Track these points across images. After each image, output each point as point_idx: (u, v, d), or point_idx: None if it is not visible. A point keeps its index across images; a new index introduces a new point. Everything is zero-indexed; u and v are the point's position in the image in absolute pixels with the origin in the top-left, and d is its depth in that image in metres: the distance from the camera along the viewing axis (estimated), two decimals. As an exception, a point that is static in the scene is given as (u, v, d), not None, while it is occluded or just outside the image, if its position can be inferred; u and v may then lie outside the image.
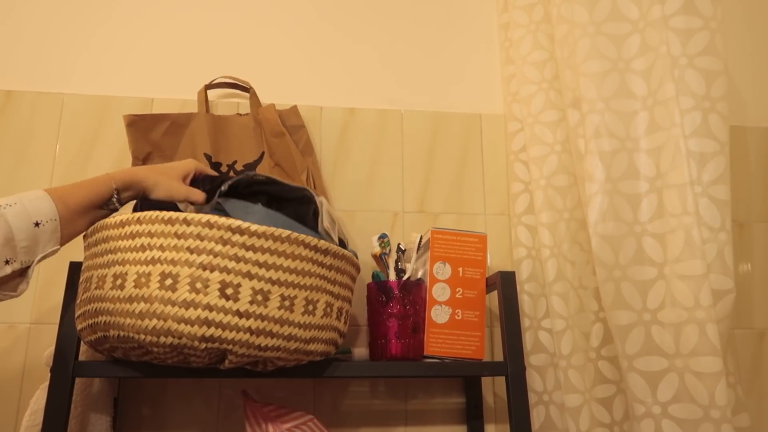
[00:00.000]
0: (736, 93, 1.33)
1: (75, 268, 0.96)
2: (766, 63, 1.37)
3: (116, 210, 0.79)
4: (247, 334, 0.68)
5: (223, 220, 0.70)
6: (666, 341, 0.86)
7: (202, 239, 0.69)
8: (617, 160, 0.95)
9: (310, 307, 0.74)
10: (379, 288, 0.91)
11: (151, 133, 1.04)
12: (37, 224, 0.68)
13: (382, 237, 0.97)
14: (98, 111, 1.14)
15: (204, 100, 1.09)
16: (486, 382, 1.10)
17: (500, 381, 1.10)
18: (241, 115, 1.11)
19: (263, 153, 1.07)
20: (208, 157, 1.05)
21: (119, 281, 0.69)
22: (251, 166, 1.06)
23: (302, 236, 0.73)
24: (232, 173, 1.06)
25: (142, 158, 1.04)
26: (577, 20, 1.01)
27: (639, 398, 0.86)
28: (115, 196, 0.77)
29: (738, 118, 1.31)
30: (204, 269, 0.68)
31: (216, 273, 0.68)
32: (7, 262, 0.65)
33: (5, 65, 1.16)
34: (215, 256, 0.69)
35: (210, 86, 1.11)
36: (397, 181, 1.19)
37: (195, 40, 1.22)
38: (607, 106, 0.97)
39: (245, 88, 1.14)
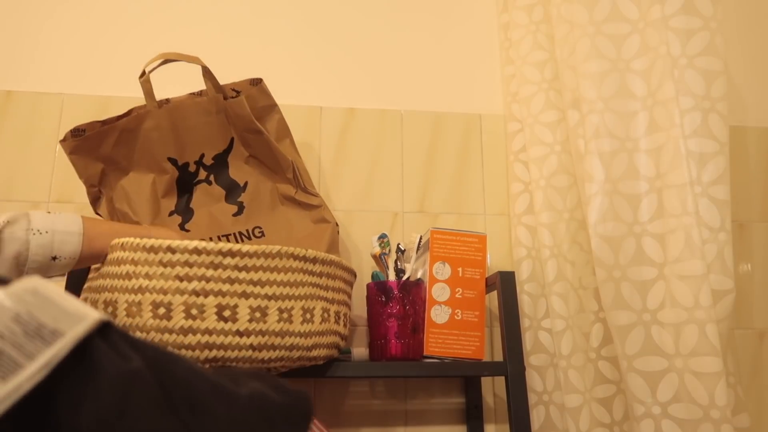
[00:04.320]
0: (736, 93, 1.33)
1: (74, 273, 0.96)
2: (766, 63, 1.37)
3: None
4: (250, 351, 0.68)
5: (212, 245, 0.68)
6: (666, 341, 0.86)
7: (191, 266, 0.67)
8: (617, 161, 0.95)
9: (308, 316, 0.73)
10: (378, 288, 0.91)
11: (100, 149, 0.92)
12: (54, 258, 0.68)
13: (382, 237, 0.97)
14: (98, 111, 1.14)
15: (150, 90, 0.93)
16: (486, 382, 1.10)
17: (500, 381, 1.10)
18: (195, 94, 0.97)
19: (233, 140, 0.97)
20: (173, 161, 0.96)
21: (110, 309, 0.68)
22: (221, 158, 0.98)
23: (291, 249, 0.73)
24: (201, 170, 0.98)
25: (97, 183, 0.94)
26: (577, 20, 1.01)
27: (639, 398, 0.86)
28: None
29: (738, 118, 1.31)
30: (198, 295, 0.66)
31: (211, 297, 0.67)
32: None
33: (5, 65, 1.16)
34: (207, 281, 0.67)
35: (152, 70, 0.93)
36: (397, 181, 1.19)
37: (195, 38, 1.22)
38: (607, 106, 0.97)
39: (195, 63, 0.93)
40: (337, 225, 0.95)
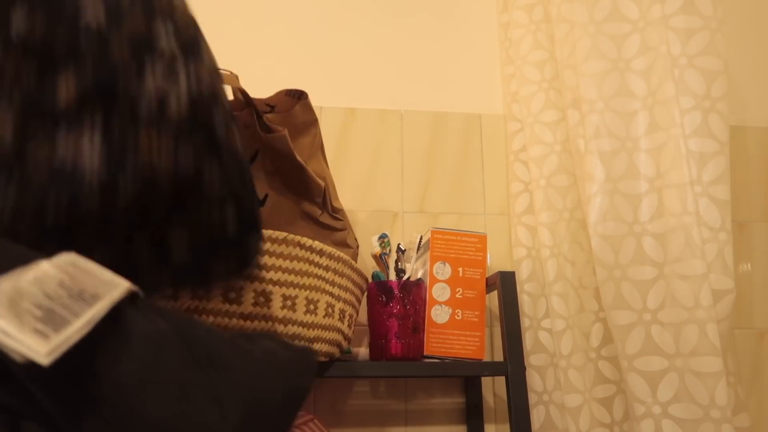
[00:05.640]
0: (736, 93, 1.33)
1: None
2: (766, 63, 1.37)
3: None
4: None
5: None
6: (666, 341, 0.86)
7: None
8: (617, 160, 0.95)
9: (311, 307, 0.74)
10: (379, 288, 0.91)
11: None
12: None
13: (382, 237, 0.97)
14: (98, 111, 1.14)
15: None
16: (486, 382, 1.10)
17: (500, 381, 1.10)
18: None
19: (257, 152, 0.91)
20: None
21: None
22: None
23: (298, 238, 0.74)
24: None
25: None
26: (577, 20, 1.01)
27: (639, 398, 0.86)
28: None
29: (738, 118, 1.31)
30: None
31: None
32: None
33: (5, 65, 1.16)
34: None
35: None
36: (397, 181, 1.19)
37: (195, 40, 1.22)
38: (607, 106, 0.97)
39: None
40: (358, 247, 0.92)
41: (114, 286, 0.35)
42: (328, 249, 0.77)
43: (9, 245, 0.36)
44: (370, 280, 0.97)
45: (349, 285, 0.82)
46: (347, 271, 0.81)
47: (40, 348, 0.29)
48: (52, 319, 0.31)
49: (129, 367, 0.34)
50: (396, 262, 0.96)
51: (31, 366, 0.29)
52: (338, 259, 0.79)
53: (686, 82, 0.94)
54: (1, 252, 0.35)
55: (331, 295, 0.78)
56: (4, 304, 0.29)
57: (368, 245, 1.03)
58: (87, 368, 0.33)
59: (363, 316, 1.07)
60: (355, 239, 0.93)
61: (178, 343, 0.37)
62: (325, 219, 0.92)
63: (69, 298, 0.33)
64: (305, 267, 0.74)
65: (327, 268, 0.77)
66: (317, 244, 0.75)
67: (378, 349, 0.90)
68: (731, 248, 0.89)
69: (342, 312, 0.80)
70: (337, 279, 0.79)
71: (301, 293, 0.73)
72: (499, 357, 1.11)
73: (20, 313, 0.30)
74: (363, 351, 0.98)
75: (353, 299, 0.84)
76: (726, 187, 0.90)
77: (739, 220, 1.24)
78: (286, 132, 0.87)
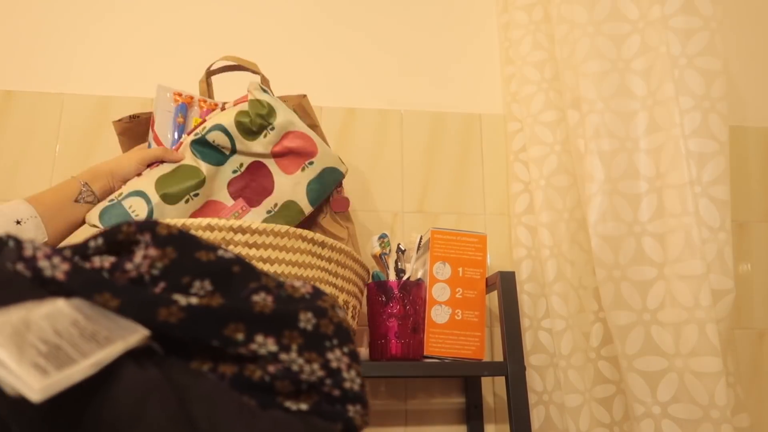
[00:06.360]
0: (736, 93, 1.33)
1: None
2: (766, 63, 1.37)
3: (94, 202, 0.82)
4: None
5: (223, 222, 0.71)
6: (666, 341, 0.86)
7: None
8: (617, 160, 0.95)
9: None
10: (379, 288, 0.91)
11: (148, 136, 0.93)
12: (18, 222, 0.73)
13: (382, 237, 0.97)
14: (98, 111, 1.14)
15: (206, 90, 0.98)
16: (486, 382, 1.10)
17: (500, 381, 1.10)
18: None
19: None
20: None
21: None
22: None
23: (300, 231, 0.74)
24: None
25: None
26: (577, 20, 1.01)
27: (639, 398, 0.86)
28: (84, 187, 0.81)
29: (738, 118, 1.31)
30: None
31: None
32: None
33: (5, 65, 1.16)
34: None
35: (212, 72, 0.99)
36: (397, 181, 1.19)
37: (194, 40, 1.22)
38: (607, 106, 0.97)
39: (254, 72, 0.98)
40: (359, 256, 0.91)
41: (131, 331, 0.35)
42: (330, 241, 0.78)
43: (28, 282, 0.35)
44: (370, 280, 0.97)
45: (352, 276, 0.83)
46: (350, 262, 0.82)
47: (34, 383, 0.27)
48: (56, 356, 0.30)
49: (111, 413, 0.32)
50: (396, 262, 0.96)
51: (19, 401, 0.28)
52: (340, 251, 0.79)
53: (686, 83, 0.94)
54: (18, 287, 0.34)
55: (335, 286, 0.78)
56: (8, 333, 0.28)
57: (368, 245, 1.03)
58: (71, 409, 0.31)
59: (363, 316, 1.07)
60: (358, 247, 0.93)
61: (167, 396, 0.34)
62: (327, 224, 0.93)
63: (80, 337, 0.32)
64: (308, 259, 0.75)
65: (329, 260, 0.78)
66: (318, 236, 0.76)
67: (378, 349, 0.90)
68: (731, 248, 0.89)
69: (346, 303, 0.80)
70: (340, 270, 0.80)
71: None
72: (499, 357, 1.11)
73: (23, 345, 0.29)
74: (363, 351, 0.98)
75: (356, 290, 0.84)
76: (725, 188, 0.90)
77: (739, 220, 1.24)
78: None
